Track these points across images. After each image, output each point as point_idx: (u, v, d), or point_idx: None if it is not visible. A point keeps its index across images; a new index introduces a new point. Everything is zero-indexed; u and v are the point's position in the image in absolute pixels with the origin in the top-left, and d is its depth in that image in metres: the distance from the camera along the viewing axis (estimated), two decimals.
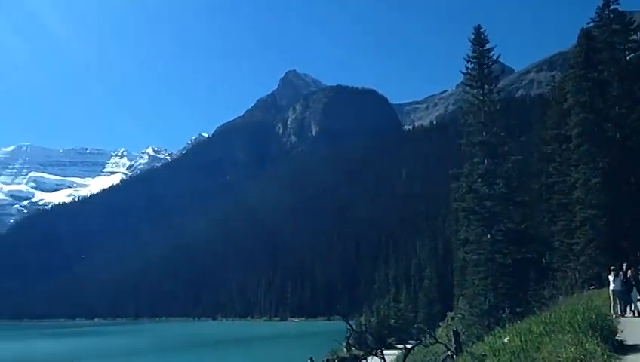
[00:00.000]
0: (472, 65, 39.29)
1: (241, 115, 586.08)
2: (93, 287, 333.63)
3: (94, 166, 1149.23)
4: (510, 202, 36.95)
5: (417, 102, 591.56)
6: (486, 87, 38.79)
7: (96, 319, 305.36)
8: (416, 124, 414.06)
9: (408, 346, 28.27)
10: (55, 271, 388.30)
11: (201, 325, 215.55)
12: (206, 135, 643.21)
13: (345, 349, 27.79)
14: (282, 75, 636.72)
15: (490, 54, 39.02)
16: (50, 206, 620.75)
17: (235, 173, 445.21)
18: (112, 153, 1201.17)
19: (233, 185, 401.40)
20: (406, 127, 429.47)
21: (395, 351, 35.85)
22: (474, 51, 39.07)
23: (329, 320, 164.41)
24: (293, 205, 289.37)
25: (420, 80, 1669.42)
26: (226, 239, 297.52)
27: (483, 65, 38.89)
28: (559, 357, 11.79)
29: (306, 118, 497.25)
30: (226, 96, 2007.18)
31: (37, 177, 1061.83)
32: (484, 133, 37.85)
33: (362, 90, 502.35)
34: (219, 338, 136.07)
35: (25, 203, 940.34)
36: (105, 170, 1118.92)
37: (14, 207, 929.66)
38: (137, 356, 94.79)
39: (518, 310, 30.68)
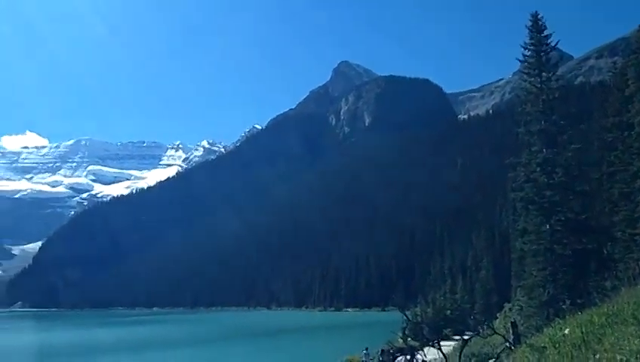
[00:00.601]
0: (530, 52, 38.47)
1: (293, 106, 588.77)
2: (151, 277, 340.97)
3: (151, 159, 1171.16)
4: (570, 191, 36.16)
5: (472, 91, 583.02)
6: (544, 74, 37.95)
7: (154, 308, 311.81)
8: (472, 114, 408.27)
9: (465, 337, 27.95)
10: (114, 262, 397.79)
11: (256, 314, 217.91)
12: (259, 127, 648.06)
13: (401, 340, 27.73)
14: (335, 66, 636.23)
15: (549, 41, 38.12)
16: (108, 198, 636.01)
17: (288, 164, 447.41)
18: (168, 146, 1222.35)
19: (286, 176, 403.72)
20: (461, 117, 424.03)
21: (452, 342, 35.57)
22: (531, 38, 38.26)
23: (384, 310, 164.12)
24: (346, 195, 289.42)
25: (475, 68, 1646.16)
26: (280, 229, 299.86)
27: (541, 53, 38.04)
28: (622, 349, 11.54)
29: (358, 109, 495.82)
30: (279, 88, 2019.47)
31: (96, 170, 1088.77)
32: (542, 122, 37.08)
33: (415, 80, 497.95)
34: (273, 328, 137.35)
35: (84, 195, 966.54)
36: (161, 163, 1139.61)
37: (74, 199, 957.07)
38: (194, 344, 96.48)
39: (578, 301, 30.09)
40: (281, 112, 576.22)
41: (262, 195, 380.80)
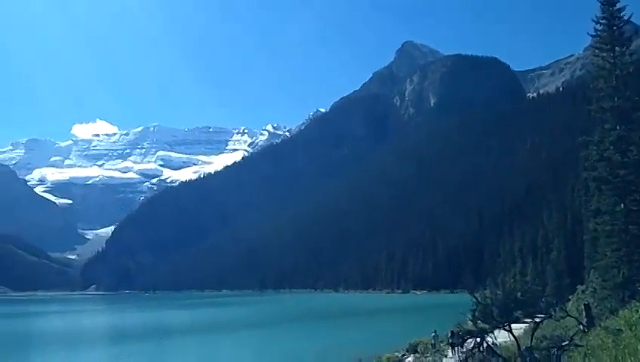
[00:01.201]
0: (602, 26, 37.15)
1: (358, 88, 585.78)
2: (220, 260, 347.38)
3: (217, 144, 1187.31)
4: None
5: (542, 68, 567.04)
6: (617, 49, 36.60)
7: (223, 290, 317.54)
8: (541, 91, 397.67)
9: (537, 320, 27.45)
10: (184, 245, 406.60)
11: (323, 297, 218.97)
12: (323, 110, 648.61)
13: (470, 322, 27.37)
14: (399, 47, 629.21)
15: (622, 14, 36.75)
16: (177, 183, 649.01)
17: (353, 146, 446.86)
18: (234, 131, 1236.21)
19: (351, 159, 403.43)
20: (530, 95, 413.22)
21: (523, 325, 34.88)
22: (603, 12, 36.91)
23: (452, 292, 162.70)
24: (412, 176, 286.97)
25: (545, 44, 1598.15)
26: (346, 212, 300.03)
27: (613, 27, 36.68)
28: None
29: (424, 89, 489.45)
30: (343, 70, 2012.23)
31: (164, 156, 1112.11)
32: (615, 98, 35.80)
33: (482, 58, 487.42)
34: (340, 310, 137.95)
35: (154, 180, 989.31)
36: (227, 148, 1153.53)
37: (145, 184, 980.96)
38: (262, 325, 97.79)
39: None
40: (345, 95, 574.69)
41: (327, 178, 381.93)
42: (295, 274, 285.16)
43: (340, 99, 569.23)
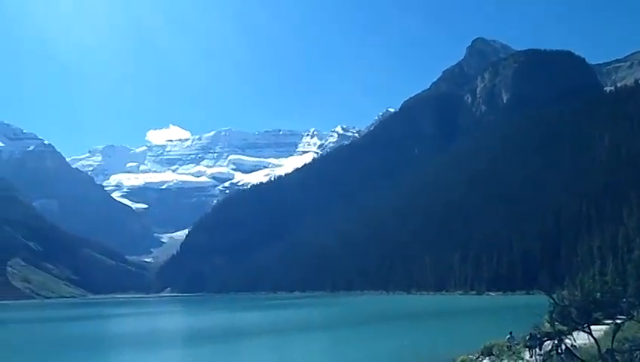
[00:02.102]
0: None
1: (427, 87, 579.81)
2: (291, 262, 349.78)
3: (287, 146, 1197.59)
4: None
5: (619, 61, 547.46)
6: None
7: (295, 292, 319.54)
8: (619, 85, 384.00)
9: (618, 321, 25.90)
10: (256, 248, 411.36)
11: (395, 299, 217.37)
12: (393, 110, 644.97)
13: (548, 324, 26.02)
14: (469, 44, 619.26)
15: None
16: (249, 186, 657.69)
17: (422, 146, 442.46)
18: (304, 133, 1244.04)
19: (421, 159, 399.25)
20: (607, 89, 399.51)
21: (603, 327, 33.20)
22: None
23: (528, 293, 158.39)
24: (485, 175, 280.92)
25: (622, 36, 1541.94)
26: (417, 212, 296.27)
27: None
28: None
29: (496, 86, 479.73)
30: (411, 69, 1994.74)
31: (236, 159, 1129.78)
32: None
33: (556, 52, 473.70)
34: (412, 311, 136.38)
35: (226, 184, 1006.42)
36: (297, 150, 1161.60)
37: (217, 188, 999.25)
38: (332, 327, 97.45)
39: None
40: (415, 94, 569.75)
41: (397, 178, 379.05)
42: (366, 276, 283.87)
43: (410, 98, 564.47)
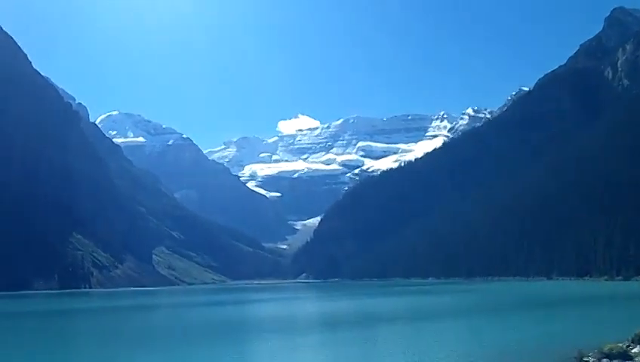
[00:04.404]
0: None
1: (563, 63, 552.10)
2: (425, 247, 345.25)
3: (417, 131, 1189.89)
4: None
5: None
6: None
7: (429, 278, 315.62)
8: None
9: None
10: (388, 233, 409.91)
11: (535, 285, 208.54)
12: (527, 89, 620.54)
13: None
14: (607, 14, 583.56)
15: None
16: (378, 172, 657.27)
17: (561, 125, 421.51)
18: (433, 117, 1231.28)
19: (559, 137, 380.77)
20: None
21: None
22: None
23: None
24: (630, 152, 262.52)
25: None
26: (556, 194, 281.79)
27: None
28: None
29: (638, 58, 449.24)
30: (545, 45, 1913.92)
31: (365, 146, 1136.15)
32: None
33: None
34: (555, 298, 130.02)
35: (356, 171, 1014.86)
36: (427, 134, 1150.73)
37: (347, 175, 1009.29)
38: (467, 314, 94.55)
39: None
40: (550, 70, 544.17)
41: (533, 160, 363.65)
42: (504, 262, 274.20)
43: (545, 75, 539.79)
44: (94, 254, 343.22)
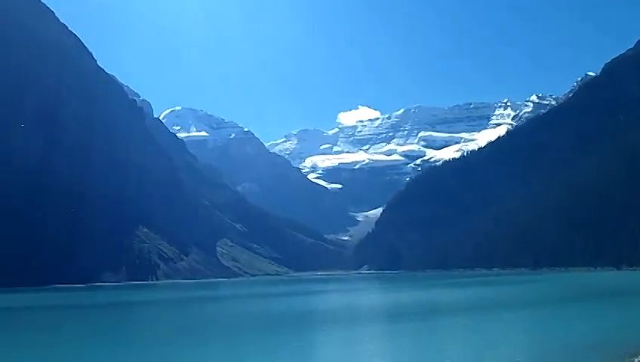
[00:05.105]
0: None
1: (631, 46, 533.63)
2: (489, 238, 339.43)
3: (479, 120, 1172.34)
4: None
5: None
6: None
7: (494, 269, 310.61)
8: None
9: None
10: (450, 223, 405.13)
11: (604, 275, 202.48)
12: (593, 74, 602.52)
13: None
14: None
15: None
16: (440, 162, 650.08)
17: (629, 111, 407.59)
18: (496, 105, 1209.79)
19: (629, 125, 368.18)
20: None
21: None
22: None
23: None
24: None
25: None
26: (625, 182, 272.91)
27: None
28: None
29: None
30: (612, 28, 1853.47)
31: (426, 136, 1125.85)
32: None
33: None
34: (623, 290, 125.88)
35: (418, 161, 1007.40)
36: (490, 123, 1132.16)
37: (409, 165, 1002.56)
38: (541, 305, 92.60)
39: None
40: (618, 54, 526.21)
41: (601, 146, 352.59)
42: (571, 251, 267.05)
43: (612, 60, 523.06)
44: (160, 247, 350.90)
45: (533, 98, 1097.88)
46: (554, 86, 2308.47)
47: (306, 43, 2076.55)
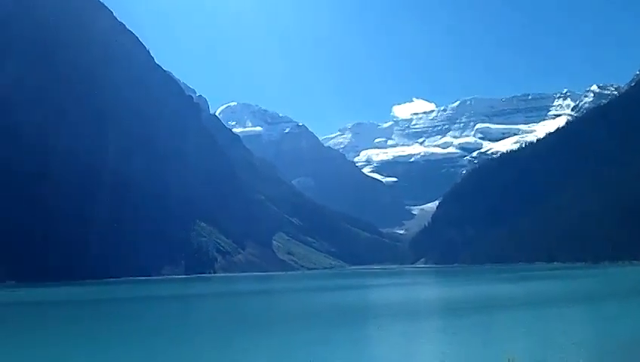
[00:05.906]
0: None
1: None
2: (548, 231, 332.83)
3: (538, 111, 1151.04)
4: None
5: None
6: None
7: (554, 263, 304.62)
8: None
9: None
10: (508, 217, 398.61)
11: None
12: None
13: None
14: None
15: None
16: (498, 154, 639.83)
17: None
18: (555, 96, 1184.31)
19: None
20: None
21: None
22: None
23: None
24: None
25: None
26: None
27: None
28: None
29: None
30: None
31: (483, 128, 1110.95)
32: None
33: None
34: None
35: (474, 154, 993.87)
36: (549, 114, 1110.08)
37: (465, 158, 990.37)
38: (597, 301, 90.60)
39: None
40: None
41: None
42: (633, 245, 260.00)
43: None
44: (217, 241, 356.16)
45: (594, 88, 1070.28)
46: (615, 75, 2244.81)
47: (360, 36, 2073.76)
